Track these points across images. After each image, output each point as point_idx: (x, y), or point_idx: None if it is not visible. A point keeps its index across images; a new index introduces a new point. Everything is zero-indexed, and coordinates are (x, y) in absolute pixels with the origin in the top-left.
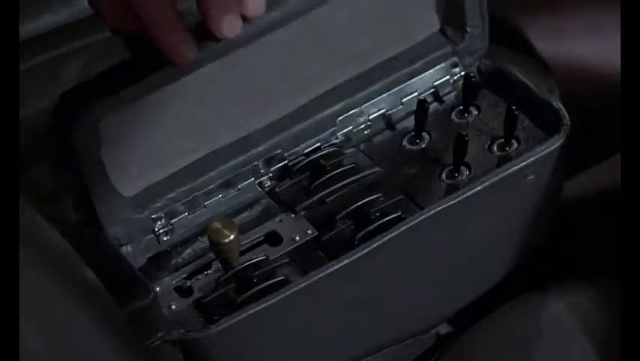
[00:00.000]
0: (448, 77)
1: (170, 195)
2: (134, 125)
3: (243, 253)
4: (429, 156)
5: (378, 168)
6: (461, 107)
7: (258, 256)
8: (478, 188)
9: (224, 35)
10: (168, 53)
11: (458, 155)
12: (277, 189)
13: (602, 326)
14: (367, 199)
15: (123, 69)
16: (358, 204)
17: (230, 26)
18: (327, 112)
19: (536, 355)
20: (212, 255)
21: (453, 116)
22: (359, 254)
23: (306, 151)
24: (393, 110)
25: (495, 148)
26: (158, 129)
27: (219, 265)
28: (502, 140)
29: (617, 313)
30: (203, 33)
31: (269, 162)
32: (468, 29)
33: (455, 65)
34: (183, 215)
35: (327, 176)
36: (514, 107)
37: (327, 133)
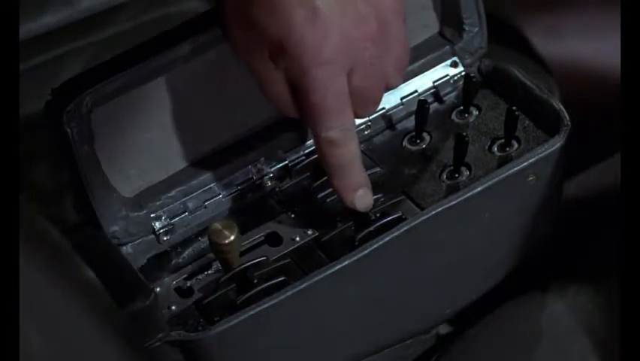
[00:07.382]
0: (448, 76)
1: (170, 195)
2: (127, 120)
3: (243, 253)
4: (429, 157)
5: (378, 169)
6: (461, 108)
7: (258, 257)
8: (479, 189)
9: (359, 210)
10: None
11: (458, 155)
12: (277, 189)
13: (602, 326)
14: None
15: (114, 63)
16: None
17: (363, 201)
18: None
19: (536, 355)
20: (212, 255)
21: (453, 116)
22: (359, 255)
23: (306, 151)
24: (394, 110)
25: (495, 149)
26: (153, 125)
27: (219, 265)
28: (503, 140)
29: (617, 313)
30: (196, 26)
31: (269, 162)
32: (465, 27)
33: (455, 65)
34: (183, 215)
35: None
36: (514, 108)
37: None
